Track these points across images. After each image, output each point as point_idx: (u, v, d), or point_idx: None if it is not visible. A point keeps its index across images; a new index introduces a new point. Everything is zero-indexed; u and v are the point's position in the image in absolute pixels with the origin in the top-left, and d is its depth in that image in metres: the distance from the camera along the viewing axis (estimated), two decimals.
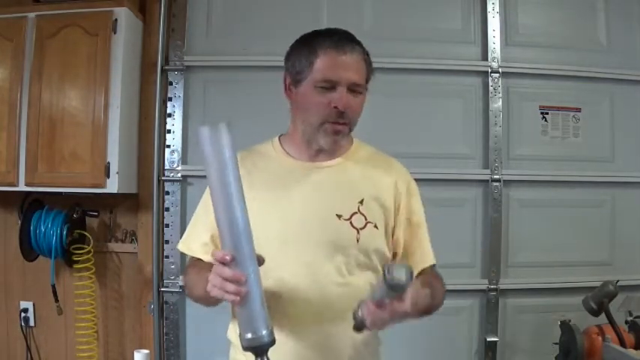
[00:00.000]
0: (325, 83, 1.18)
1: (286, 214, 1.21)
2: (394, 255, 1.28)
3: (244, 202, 1.00)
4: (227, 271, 0.98)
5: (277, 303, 1.14)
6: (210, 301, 1.14)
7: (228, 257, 0.98)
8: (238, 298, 0.98)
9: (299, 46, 1.25)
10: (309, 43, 1.22)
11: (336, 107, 1.18)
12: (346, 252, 1.19)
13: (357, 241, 1.18)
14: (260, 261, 1.02)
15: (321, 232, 1.18)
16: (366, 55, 1.24)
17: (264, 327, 0.99)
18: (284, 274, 1.18)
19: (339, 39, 1.21)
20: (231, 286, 0.97)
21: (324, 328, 1.19)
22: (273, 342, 1.00)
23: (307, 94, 1.21)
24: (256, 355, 1.00)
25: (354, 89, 1.20)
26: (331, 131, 1.20)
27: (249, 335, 0.99)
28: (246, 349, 1.00)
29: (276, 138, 1.33)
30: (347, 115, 1.20)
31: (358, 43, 1.23)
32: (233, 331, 1.27)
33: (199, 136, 0.98)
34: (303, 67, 1.21)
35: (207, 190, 1.30)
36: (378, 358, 1.31)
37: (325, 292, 1.18)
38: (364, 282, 1.20)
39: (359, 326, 1.05)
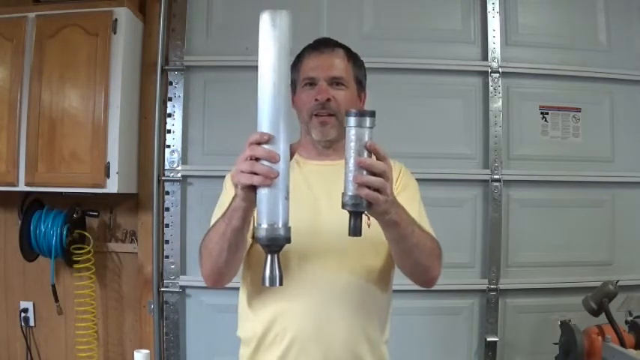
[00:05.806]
0: (307, 80, 1.30)
1: (300, 205, 1.21)
2: None
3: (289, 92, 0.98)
4: (260, 149, 0.94)
5: (291, 281, 1.17)
6: (227, 238, 1.10)
7: (266, 137, 0.94)
8: (268, 180, 0.93)
9: (294, 60, 1.35)
10: (298, 55, 1.35)
11: (317, 100, 1.27)
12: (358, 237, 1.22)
13: (369, 226, 1.18)
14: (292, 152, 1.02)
15: (335, 218, 1.18)
16: (350, 54, 1.34)
17: (283, 221, 0.95)
18: (299, 262, 1.22)
19: (318, 42, 1.34)
20: (262, 167, 0.93)
21: (333, 311, 1.22)
22: (288, 240, 0.96)
23: (298, 96, 1.33)
24: (269, 250, 0.95)
25: (336, 83, 1.29)
26: (318, 123, 1.29)
27: (265, 225, 0.94)
28: (260, 239, 0.95)
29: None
30: (330, 107, 1.27)
31: (339, 45, 1.34)
32: (242, 329, 1.32)
33: (261, 19, 0.94)
34: (295, 75, 1.33)
35: (219, 200, 1.32)
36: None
37: (337, 276, 1.23)
38: (376, 266, 1.26)
39: (352, 207, 0.98)
